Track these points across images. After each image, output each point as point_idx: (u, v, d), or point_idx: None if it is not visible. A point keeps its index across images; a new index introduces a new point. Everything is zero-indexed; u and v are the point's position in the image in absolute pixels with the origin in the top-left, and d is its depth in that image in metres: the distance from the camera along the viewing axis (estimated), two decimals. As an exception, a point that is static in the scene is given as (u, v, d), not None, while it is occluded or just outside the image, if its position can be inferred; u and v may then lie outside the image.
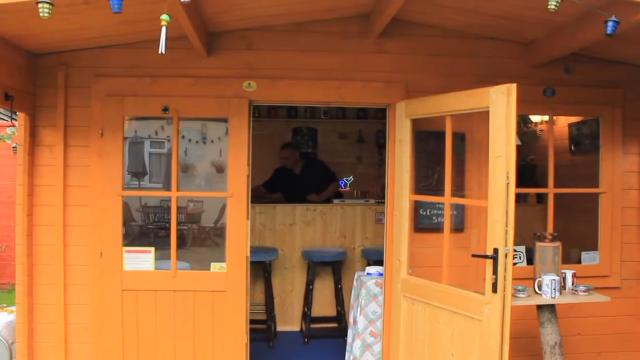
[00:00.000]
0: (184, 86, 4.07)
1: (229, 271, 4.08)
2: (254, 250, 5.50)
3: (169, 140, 13.97)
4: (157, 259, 4.11)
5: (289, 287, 6.17)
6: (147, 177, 11.89)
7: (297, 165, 6.72)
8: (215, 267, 4.11)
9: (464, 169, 4.30)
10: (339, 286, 5.82)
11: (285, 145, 7.04)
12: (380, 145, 8.14)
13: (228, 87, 4.09)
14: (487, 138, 3.44)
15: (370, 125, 8.17)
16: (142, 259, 4.07)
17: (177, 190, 4.07)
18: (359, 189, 8.14)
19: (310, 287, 5.80)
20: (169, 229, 4.10)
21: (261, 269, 5.69)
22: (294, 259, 6.15)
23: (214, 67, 4.11)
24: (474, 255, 3.46)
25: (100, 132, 4.02)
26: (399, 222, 4.03)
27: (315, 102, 4.31)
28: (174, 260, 4.05)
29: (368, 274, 4.53)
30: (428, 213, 4.19)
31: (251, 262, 5.41)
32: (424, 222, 4.19)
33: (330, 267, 5.85)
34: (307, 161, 7.04)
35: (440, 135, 3.83)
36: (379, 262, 5.68)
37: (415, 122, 4.00)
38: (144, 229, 6.13)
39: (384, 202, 6.37)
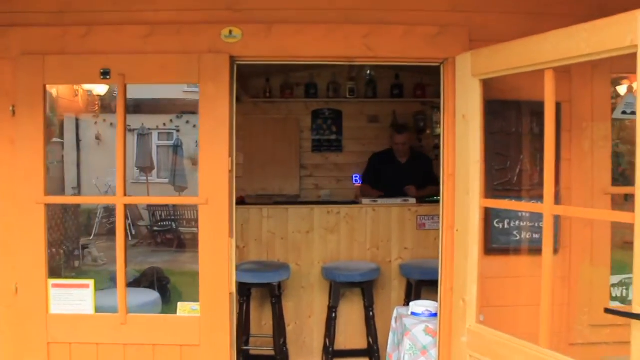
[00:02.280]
0: (133, 38, 2.70)
1: (205, 316, 2.71)
2: (259, 268, 4.24)
3: (177, 131, 12.76)
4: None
5: (306, 311, 4.81)
6: (155, 172, 10.55)
7: (405, 153, 5.59)
8: (184, 309, 2.75)
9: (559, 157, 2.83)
10: (371, 312, 4.41)
11: (402, 128, 5.76)
12: (419, 129, 6.67)
13: (199, 38, 2.70)
14: (603, 108, 2.01)
15: (406, 106, 6.69)
16: (76, 297, 2.74)
17: (126, 194, 2.71)
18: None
19: (333, 313, 4.40)
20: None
21: (268, 292, 4.33)
22: (312, 276, 4.78)
23: (178, 7, 2.73)
24: (609, 311, 1.99)
25: (11, 108, 2.70)
26: (464, 240, 2.59)
27: (330, 57, 2.83)
28: (121, 298, 2.70)
29: (413, 313, 3.08)
30: (506, 226, 2.74)
31: (255, 285, 4.10)
32: (499, 240, 2.74)
33: (359, 288, 4.45)
34: (414, 151, 5.83)
35: (525, 106, 2.40)
36: (425, 284, 4.30)
37: (487, 86, 2.55)
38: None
39: (426, 202, 5.04)
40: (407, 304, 4.66)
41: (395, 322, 3.21)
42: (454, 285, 2.69)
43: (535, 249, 2.61)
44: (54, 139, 4.09)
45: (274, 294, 4.28)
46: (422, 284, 4.40)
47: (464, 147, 2.58)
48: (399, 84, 6.57)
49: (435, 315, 2.94)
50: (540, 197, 2.38)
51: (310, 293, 4.79)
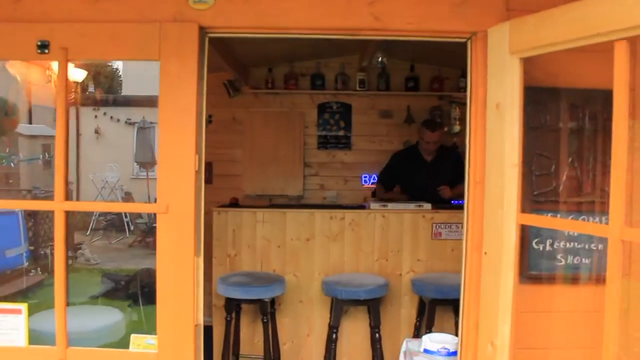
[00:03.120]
0: (78, 2, 2.14)
1: (163, 352, 2.14)
2: (249, 281, 3.73)
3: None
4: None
5: (304, 329, 4.26)
6: (156, 168, 9.97)
7: (433, 151, 5.06)
8: (138, 343, 2.19)
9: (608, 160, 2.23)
10: (377, 334, 3.83)
11: (435, 125, 5.13)
12: (436, 126, 6.05)
13: (161, 3, 2.13)
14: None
15: (422, 100, 6.09)
16: (5, 326, 2.19)
17: (67, 198, 2.15)
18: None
19: (334, 333, 3.84)
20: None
21: (259, 309, 3.77)
22: (311, 289, 4.22)
23: (135, -36, 2.16)
24: None
25: None
26: (494, 266, 2.00)
27: (327, 30, 2.19)
28: (60, 326, 2.14)
29: (426, 351, 2.48)
30: (548, 247, 2.14)
31: (245, 301, 3.55)
32: (539, 265, 2.14)
33: (365, 305, 3.87)
34: (442, 147, 5.20)
35: (577, 95, 1.82)
36: (441, 303, 3.73)
37: (527, 68, 1.95)
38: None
39: (443, 208, 4.46)
40: (418, 324, 4.08)
41: (405, 357, 2.63)
42: (479, 322, 2.10)
43: (587, 278, 2.03)
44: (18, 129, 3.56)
45: (266, 312, 3.73)
46: (436, 303, 3.83)
47: (497, 146, 1.98)
48: (414, 76, 5.97)
49: (454, 354, 2.35)
50: (593, 212, 1.79)
51: (310, 308, 4.24)
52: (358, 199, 6.08)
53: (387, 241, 4.22)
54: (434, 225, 4.23)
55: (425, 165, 5.03)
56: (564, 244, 2.09)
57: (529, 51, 1.88)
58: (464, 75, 5.96)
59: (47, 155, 8.54)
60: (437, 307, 3.85)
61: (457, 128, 6.01)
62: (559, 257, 2.11)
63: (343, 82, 5.96)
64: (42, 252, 5.60)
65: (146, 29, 2.08)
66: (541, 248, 2.11)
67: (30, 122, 8.17)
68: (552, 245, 2.11)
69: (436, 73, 5.98)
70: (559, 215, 2.06)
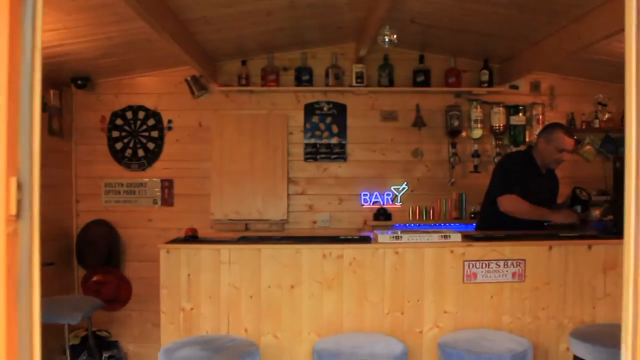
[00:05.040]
0: None
1: None
2: (203, 353, 2.47)
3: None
4: None
5: (289, 412, 3.04)
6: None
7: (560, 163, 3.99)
8: None
9: None
10: (393, 423, 2.63)
11: (569, 130, 3.96)
12: (453, 130, 4.90)
13: None
14: None
15: (434, 99, 4.95)
16: None
17: None
18: (419, 205, 5.00)
19: (331, 422, 2.63)
20: None
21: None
22: (298, 355, 3.02)
23: None
24: None
25: None
26: None
27: None
28: None
29: None
30: None
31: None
32: None
33: (374, 382, 2.67)
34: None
35: None
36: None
37: None
38: None
39: (479, 239, 3.29)
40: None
41: None
42: None
43: None
44: None
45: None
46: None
47: None
48: (424, 68, 4.84)
49: None
50: None
51: (297, 385, 3.04)
52: (356, 222, 4.91)
53: (402, 287, 3.04)
54: (467, 264, 3.05)
55: (542, 177, 3.92)
56: None
57: None
58: (486, 66, 4.81)
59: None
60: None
61: (478, 133, 4.85)
62: None
63: (335, 77, 4.82)
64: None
65: None
66: None
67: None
68: None
69: (451, 64, 4.86)
70: None
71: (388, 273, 3.04)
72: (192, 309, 3.03)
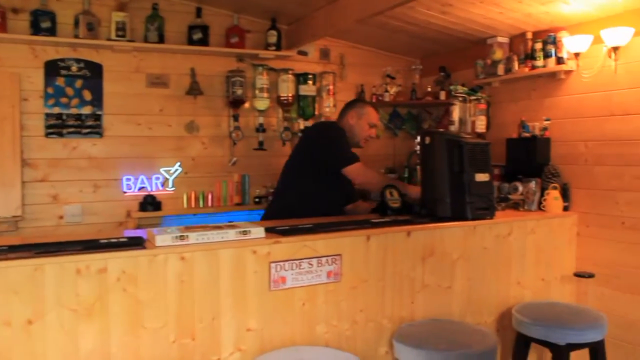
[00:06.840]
0: None
1: None
2: None
3: None
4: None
5: None
6: None
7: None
8: None
9: None
10: None
11: (374, 105, 3.68)
12: (235, 100, 4.21)
13: None
14: None
15: (213, 61, 4.18)
16: None
17: None
18: (195, 190, 4.22)
19: None
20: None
21: None
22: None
23: None
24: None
25: None
26: None
27: None
28: None
29: None
30: None
31: None
32: None
33: None
34: None
35: None
36: None
37: None
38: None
39: (288, 233, 2.57)
40: None
41: None
42: None
43: None
44: None
45: None
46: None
47: None
48: (201, 24, 4.03)
49: None
50: None
51: None
52: (117, 214, 3.95)
53: (191, 304, 2.26)
54: (274, 266, 2.40)
55: None
56: None
57: None
58: (274, 26, 4.19)
59: None
60: None
61: (264, 104, 4.22)
62: None
63: (89, 27, 3.73)
64: None
65: None
66: None
67: None
68: None
69: (234, 21, 4.13)
70: None
71: (172, 287, 2.22)
72: None
